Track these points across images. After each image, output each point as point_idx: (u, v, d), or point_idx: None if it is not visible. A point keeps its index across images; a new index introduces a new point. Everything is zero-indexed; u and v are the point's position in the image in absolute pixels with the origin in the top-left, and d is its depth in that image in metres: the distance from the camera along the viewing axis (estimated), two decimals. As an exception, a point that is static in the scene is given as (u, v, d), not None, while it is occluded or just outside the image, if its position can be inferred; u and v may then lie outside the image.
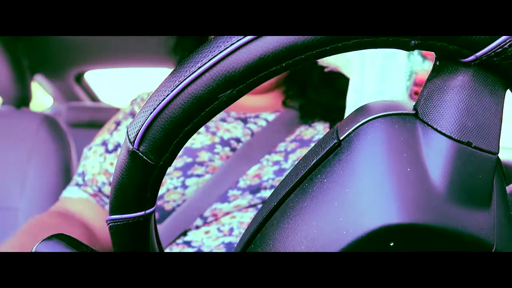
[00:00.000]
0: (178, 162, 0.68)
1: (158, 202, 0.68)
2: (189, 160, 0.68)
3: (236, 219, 0.64)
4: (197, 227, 0.66)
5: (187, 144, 0.69)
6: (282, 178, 0.65)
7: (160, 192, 0.68)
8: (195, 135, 0.70)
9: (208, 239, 0.64)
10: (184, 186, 0.67)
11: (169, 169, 0.67)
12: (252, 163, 0.68)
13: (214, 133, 0.71)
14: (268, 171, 0.67)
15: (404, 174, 0.25)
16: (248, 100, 0.79)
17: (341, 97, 0.76)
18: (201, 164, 0.68)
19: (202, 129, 0.71)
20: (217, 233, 0.64)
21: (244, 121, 0.73)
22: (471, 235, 0.25)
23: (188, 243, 0.65)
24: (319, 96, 0.76)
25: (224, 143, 0.70)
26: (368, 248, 0.25)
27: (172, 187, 0.68)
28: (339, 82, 0.75)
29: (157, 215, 0.69)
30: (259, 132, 0.71)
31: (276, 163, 0.68)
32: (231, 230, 0.64)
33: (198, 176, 0.67)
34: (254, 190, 0.66)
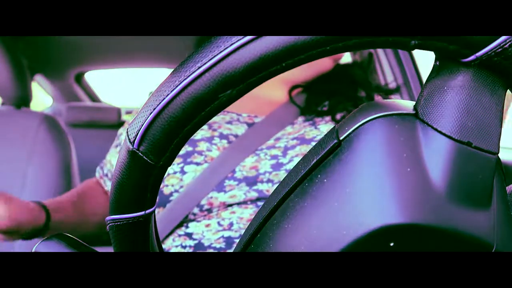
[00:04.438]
0: None
1: None
2: (190, 149, 0.70)
3: (236, 214, 0.66)
4: (195, 215, 0.67)
5: None
6: (279, 172, 0.66)
7: None
8: None
9: (208, 232, 0.65)
10: (183, 172, 0.69)
11: None
12: (248, 153, 0.69)
13: (215, 130, 0.73)
14: (266, 164, 0.68)
15: (404, 174, 0.25)
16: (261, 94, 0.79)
17: (353, 88, 0.77)
18: (200, 153, 0.70)
19: (205, 126, 0.73)
20: (217, 226, 0.66)
21: (250, 125, 0.75)
22: (471, 235, 0.25)
23: (189, 235, 0.67)
24: (328, 85, 0.76)
25: (223, 136, 0.72)
26: (368, 248, 0.25)
27: (172, 172, 0.70)
28: (352, 73, 0.77)
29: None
30: (256, 124, 0.73)
31: (274, 157, 0.69)
32: (231, 224, 0.65)
33: (197, 164, 0.69)
34: (251, 182, 0.67)
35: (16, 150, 1.04)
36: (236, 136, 0.72)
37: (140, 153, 0.26)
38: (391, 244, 0.25)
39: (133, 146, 0.26)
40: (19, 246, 1.00)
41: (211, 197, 0.67)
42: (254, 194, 0.66)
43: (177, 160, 0.70)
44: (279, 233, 0.28)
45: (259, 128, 0.72)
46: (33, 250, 0.31)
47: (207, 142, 0.71)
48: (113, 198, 0.29)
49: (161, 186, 0.71)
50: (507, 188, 0.31)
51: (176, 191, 0.69)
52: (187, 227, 0.68)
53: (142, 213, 0.29)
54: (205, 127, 0.73)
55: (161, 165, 0.27)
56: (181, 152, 0.70)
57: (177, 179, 0.69)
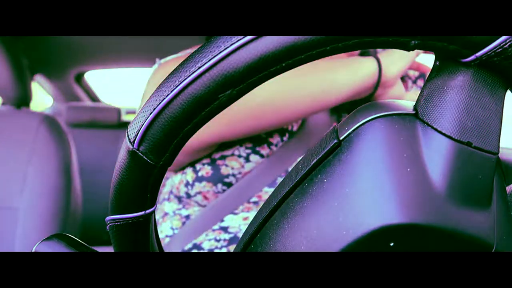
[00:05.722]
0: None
1: (219, 162, 0.68)
2: (263, 136, 0.68)
3: None
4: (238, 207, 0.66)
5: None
6: None
7: (225, 153, 0.68)
8: None
9: (245, 225, 0.64)
10: (247, 160, 0.67)
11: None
12: (300, 152, 0.69)
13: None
14: None
15: (404, 174, 0.25)
16: None
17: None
18: (270, 145, 0.68)
19: None
20: None
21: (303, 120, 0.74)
22: (471, 235, 0.25)
23: (224, 229, 0.65)
24: None
25: (292, 134, 0.70)
26: (368, 248, 0.25)
27: (237, 154, 0.68)
28: None
29: (210, 172, 0.68)
30: (307, 124, 0.72)
31: None
32: None
33: (262, 156, 0.68)
34: None
35: (16, 150, 1.04)
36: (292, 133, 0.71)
37: (140, 153, 0.26)
38: (391, 244, 0.25)
39: (133, 146, 0.26)
40: (19, 246, 1.00)
41: (261, 190, 0.66)
42: None
43: (247, 143, 0.67)
44: (279, 233, 0.28)
45: (311, 127, 0.71)
46: (33, 250, 0.31)
47: (280, 136, 0.69)
48: (113, 198, 0.29)
49: (221, 163, 0.68)
50: (507, 188, 0.31)
51: (233, 175, 0.67)
52: (222, 220, 0.66)
53: (142, 213, 0.29)
54: None
55: (161, 165, 0.27)
56: (253, 135, 0.67)
57: (239, 164, 0.67)
